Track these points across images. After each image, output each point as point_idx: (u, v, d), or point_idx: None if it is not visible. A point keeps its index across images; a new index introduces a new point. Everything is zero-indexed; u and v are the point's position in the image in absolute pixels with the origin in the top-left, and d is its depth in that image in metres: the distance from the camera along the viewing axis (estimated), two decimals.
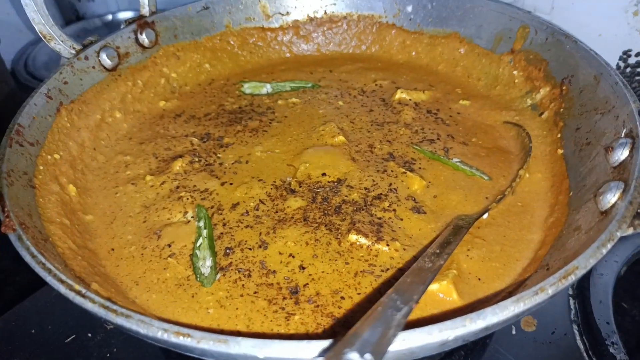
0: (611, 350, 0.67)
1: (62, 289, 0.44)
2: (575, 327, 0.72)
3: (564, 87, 0.74)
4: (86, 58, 0.78)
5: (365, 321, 0.37)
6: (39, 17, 0.73)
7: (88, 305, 0.43)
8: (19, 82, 1.26)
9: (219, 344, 0.38)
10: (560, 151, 0.70)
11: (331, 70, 0.95)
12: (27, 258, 0.47)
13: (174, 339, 0.39)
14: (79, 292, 0.44)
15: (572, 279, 0.43)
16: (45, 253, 0.49)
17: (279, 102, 0.86)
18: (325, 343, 0.36)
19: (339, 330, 0.51)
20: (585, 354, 0.69)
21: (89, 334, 0.73)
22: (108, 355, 0.70)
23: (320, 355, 0.36)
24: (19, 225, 0.51)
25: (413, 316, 0.51)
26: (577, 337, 0.71)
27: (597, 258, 0.44)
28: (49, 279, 0.45)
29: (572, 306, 0.75)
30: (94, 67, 0.79)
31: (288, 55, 1.01)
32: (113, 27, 1.47)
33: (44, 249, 0.51)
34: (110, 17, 1.47)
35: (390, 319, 0.37)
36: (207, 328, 0.51)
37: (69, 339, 0.73)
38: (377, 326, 0.35)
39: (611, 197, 0.52)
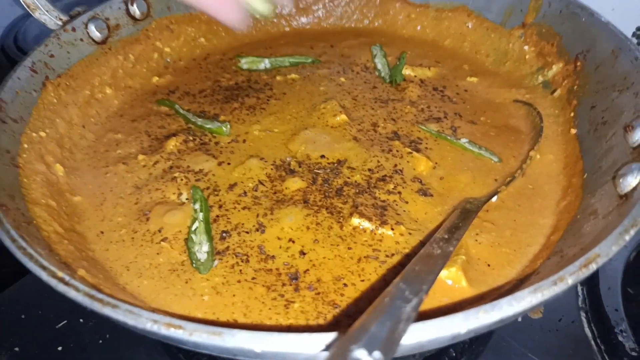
0: (620, 338, 0.65)
1: (44, 276, 0.41)
2: (583, 314, 0.70)
3: (578, 63, 0.70)
4: (73, 30, 0.73)
5: (372, 314, 0.34)
6: None
7: (72, 293, 0.40)
8: (9, 58, 1.21)
9: (213, 336, 0.35)
10: (573, 131, 0.67)
11: (332, 45, 0.91)
12: (7, 242, 0.44)
13: (164, 330, 0.37)
14: (61, 280, 0.41)
15: (593, 267, 0.40)
16: (28, 237, 0.46)
17: (278, 78, 0.83)
18: (329, 336, 0.33)
19: (341, 320, 0.49)
20: (593, 342, 0.67)
21: (81, 320, 0.71)
22: (100, 341, 0.68)
23: (324, 349, 0.33)
24: (0, 207, 0.47)
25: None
26: (585, 325, 0.69)
27: (620, 245, 0.41)
28: (30, 265, 0.42)
29: (580, 293, 0.72)
30: (82, 40, 0.75)
31: (287, 29, 0.96)
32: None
33: (26, 233, 0.47)
34: None
35: (399, 311, 0.34)
36: (201, 319, 0.48)
37: (60, 325, 0.71)
38: (386, 320, 0.32)
39: (632, 180, 0.49)
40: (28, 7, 0.70)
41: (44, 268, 0.41)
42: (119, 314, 0.38)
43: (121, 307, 0.38)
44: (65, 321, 0.71)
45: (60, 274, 0.41)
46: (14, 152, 0.58)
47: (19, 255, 0.43)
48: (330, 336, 0.33)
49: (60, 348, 0.67)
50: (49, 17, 0.72)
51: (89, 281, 0.47)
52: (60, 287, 0.40)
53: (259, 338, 0.34)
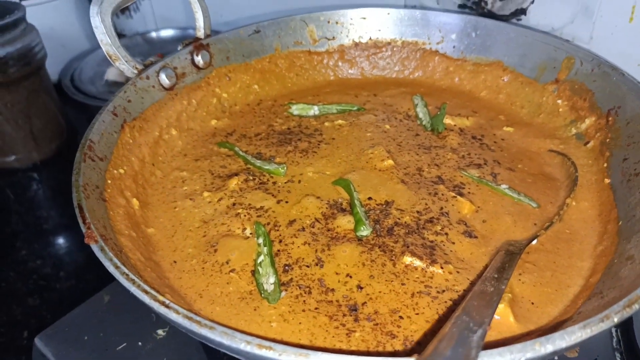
0: None
1: (147, 300, 0.47)
2: (618, 355, 0.73)
3: (610, 118, 0.76)
4: (147, 77, 0.82)
5: (442, 341, 0.39)
6: (107, 39, 0.77)
7: (172, 315, 0.45)
8: (65, 96, 1.32)
9: (300, 357, 0.40)
10: (607, 180, 0.72)
11: (375, 94, 0.98)
12: (111, 269, 0.50)
13: (256, 350, 0.42)
14: (163, 303, 0.46)
15: (636, 307, 0.44)
16: (125, 264, 0.52)
17: (326, 124, 0.90)
18: None
19: (398, 349, 0.53)
20: None
21: (140, 343, 0.76)
22: None
23: None
24: (100, 237, 0.54)
25: None
26: None
27: None
28: (133, 289, 0.48)
29: (614, 334, 0.75)
30: (153, 87, 0.83)
31: (332, 78, 1.04)
32: (154, 44, 1.53)
33: (122, 261, 0.53)
34: (154, 34, 1.52)
35: (469, 340, 0.39)
36: (276, 340, 0.53)
37: (120, 347, 0.76)
38: (458, 347, 0.37)
39: None
40: (110, 57, 0.79)
41: (146, 292, 0.47)
42: (215, 335, 0.43)
43: (217, 328, 0.43)
44: (125, 344, 0.76)
45: (161, 297, 0.47)
46: (101, 188, 0.65)
47: (122, 280, 0.49)
48: None
49: None
50: (127, 66, 0.80)
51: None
52: (162, 310, 0.46)
53: None
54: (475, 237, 0.66)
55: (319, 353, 0.40)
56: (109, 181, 0.68)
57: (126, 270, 0.49)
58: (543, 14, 1.00)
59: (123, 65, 0.80)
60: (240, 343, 0.42)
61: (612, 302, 0.46)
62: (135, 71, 0.81)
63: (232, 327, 0.55)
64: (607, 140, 0.76)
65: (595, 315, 0.43)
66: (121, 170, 0.72)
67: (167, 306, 0.46)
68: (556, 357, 0.71)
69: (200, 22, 0.91)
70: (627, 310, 0.44)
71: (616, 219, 0.66)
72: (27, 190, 1.13)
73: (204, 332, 0.44)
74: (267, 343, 0.42)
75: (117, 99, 0.76)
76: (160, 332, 0.76)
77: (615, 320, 0.43)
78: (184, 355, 0.74)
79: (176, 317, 0.45)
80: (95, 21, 0.76)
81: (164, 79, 0.84)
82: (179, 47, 0.89)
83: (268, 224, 0.69)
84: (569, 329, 0.42)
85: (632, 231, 0.61)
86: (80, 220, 0.56)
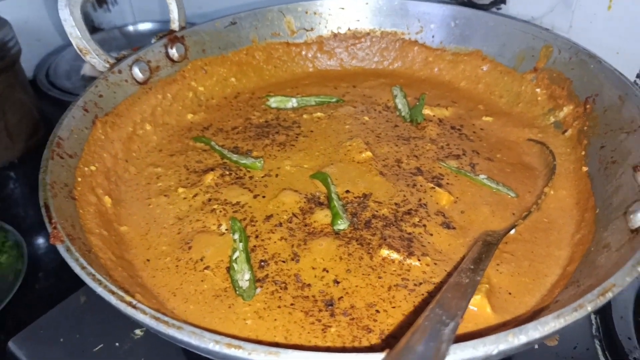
0: None
1: (113, 300, 0.46)
2: (597, 342, 0.73)
3: (587, 106, 0.76)
4: (120, 72, 0.80)
5: (414, 335, 0.38)
6: (76, 32, 0.75)
7: (139, 316, 0.44)
8: (40, 91, 1.29)
9: (270, 356, 0.39)
10: (584, 169, 0.72)
11: (354, 86, 0.97)
12: (77, 270, 0.49)
13: (225, 350, 0.41)
14: (129, 303, 0.45)
15: (610, 296, 0.44)
16: (93, 264, 0.51)
17: (304, 116, 0.88)
18: (378, 356, 0.37)
19: (375, 344, 0.53)
20: None
21: (117, 344, 0.74)
22: None
23: None
24: (67, 237, 0.52)
25: None
26: (600, 353, 0.72)
27: (633, 276, 0.46)
28: (99, 290, 0.47)
29: (594, 322, 0.76)
30: (126, 81, 0.81)
31: (311, 69, 1.03)
32: (132, 38, 1.50)
33: (89, 260, 0.52)
34: (131, 28, 1.49)
35: (440, 333, 0.38)
36: (248, 339, 0.52)
37: (97, 348, 0.74)
38: (430, 340, 0.37)
39: None
40: (80, 51, 0.77)
41: (112, 293, 0.46)
42: (183, 335, 0.42)
43: (185, 328, 0.42)
44: (102, 345, 0.74)
45: (128, 298, 0.45)
46: (71, 185, 0.64)
47: (88, 281, 0.47)
48: (379, 356, 0.38)
49: None
50: (98, 60, 0.78)
51: (148, 305, 0.51)
52: (129, 310, 0.44)
53: (314, 358, 0.38)
54: (454, 228, 0.65)
55: (289, 351, 0.39)
56: (79, 179, 0.66)
57: (92, 271, 0.48)
58: (522, 3, 1.00)
59: (94, 59, 0.78)
60: (208, 343, 0.41)
61: (587, 291, 0.45)
62: (107, 65, 0.79)
63: (206, 325, 0.55)
64: (585, 128, 0.75)
65: (569, 305, 0.43)
66: (92, 168, 0.70)
67: (134, 307, 0.45)
68: (536, 345, 0.72)
69: (174, 14, 0.89)
70: (601, 299, 0.43)
71: (593, 207, 0.66)
72: (3, 189, 1.11)
73: (171, 332, 0.43)
74: (236, 342, 0.41)
75: (88, 94, 0.74)
76: (137, 332, 0.75)
77: (589, 309, 0.42)
78: (162, 355, 0.73)
79: (143, 317, 0.44)
80: (64, 14, 0.74)
81: (137, 72, 0.82)
82: (153, 40, 0.87)
83: (244, 219, 0.67)
84: (542, 320, 0.41)
85: (608, 219, 0.61)
86: (46, 220, 0.54)
